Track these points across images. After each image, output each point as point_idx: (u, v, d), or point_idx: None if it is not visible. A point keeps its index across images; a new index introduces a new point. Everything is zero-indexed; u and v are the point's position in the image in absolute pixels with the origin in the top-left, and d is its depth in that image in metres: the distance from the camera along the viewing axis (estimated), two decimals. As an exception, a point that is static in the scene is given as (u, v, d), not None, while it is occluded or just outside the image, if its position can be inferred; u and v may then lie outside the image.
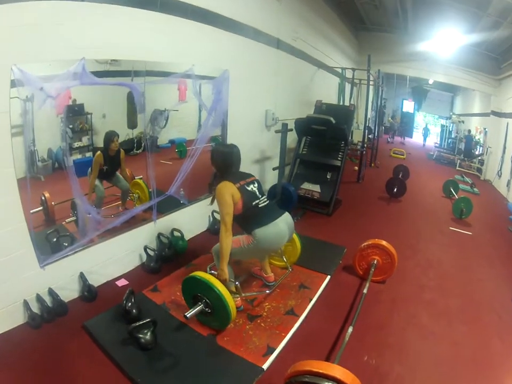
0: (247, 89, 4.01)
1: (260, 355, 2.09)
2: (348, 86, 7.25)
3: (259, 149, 4.64)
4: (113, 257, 2.88)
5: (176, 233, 3.33)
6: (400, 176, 6.06)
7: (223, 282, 2.27)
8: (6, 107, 1.99)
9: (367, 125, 7.02)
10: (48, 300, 2.38)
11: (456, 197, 5.36)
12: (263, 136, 4.60)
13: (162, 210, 3.31)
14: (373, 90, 7.31)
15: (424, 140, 14.60)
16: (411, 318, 2.58)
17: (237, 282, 2.42)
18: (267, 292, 2.66)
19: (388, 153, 9.88)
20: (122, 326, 2.21)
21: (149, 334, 2.11)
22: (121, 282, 2.84)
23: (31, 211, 2.58)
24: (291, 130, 4.37)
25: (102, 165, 2.96)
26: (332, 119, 4.33)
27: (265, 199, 2.48)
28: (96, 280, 2.71)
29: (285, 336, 2.26)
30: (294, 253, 2.99)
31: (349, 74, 6.99)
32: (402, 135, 14.62)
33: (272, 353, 2.11)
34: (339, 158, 4.64)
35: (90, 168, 2.91)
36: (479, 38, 6.57)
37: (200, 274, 2.24)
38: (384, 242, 2.87)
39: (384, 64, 8.28)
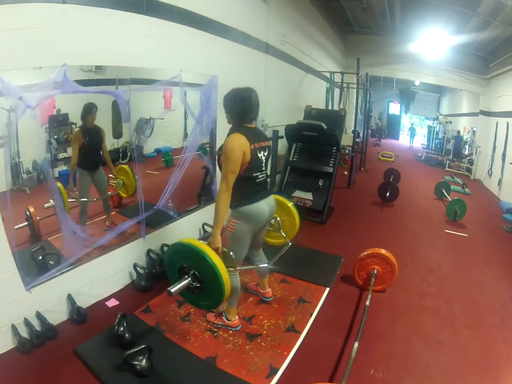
0: (237, 95, 3.93)
1: (263, 377, 1.98)
2: (336, 91, 7.25)
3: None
4: (102, 277, 2.73)
5: (166, 249, 3.17)
6: (391, 179, 6.06)
7: (216, 250, 1.97)
8: None
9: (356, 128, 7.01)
10: (36, 323, 2.24)
11: (449, 199, 5.39)
12: None
13: (151, 224, 3.18)
14: (362, 94, 7.33)
15: (411, 140, 14.77)
16: (415, 326, 2.52)
17: (231, 253, 2.10)
18: (265, 265, 2.49)
19: (376, 157, 9.93)
20: (115, 351, 2.07)
21: (144, 360, 1.97)
22: (111, 303, 2.69)
23: (16, 227, 2.48)
24: (282, 137, 4.30)
25: (81, 139, 2.80)
26: (323, 124, 4.28)
27: (265, 174, 2.24)
28: (85, 301, 2.57)
29: (287, 355, 2.15)
30: (292, 228, 2.80)
31: (337, 78, 6.98)
32: (380, 138, 14.68)
33: (275, 374, 2.01)
34: (331, 164, 4.58)
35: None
36: (468, 38, 6.66)
37: (187, 240, 1.94)
38: (383, 251, 2.81)
39: (372, 67, 8.31)
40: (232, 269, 2.13)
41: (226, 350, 2.19)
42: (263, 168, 2.20)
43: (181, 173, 3.20)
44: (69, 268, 2.44)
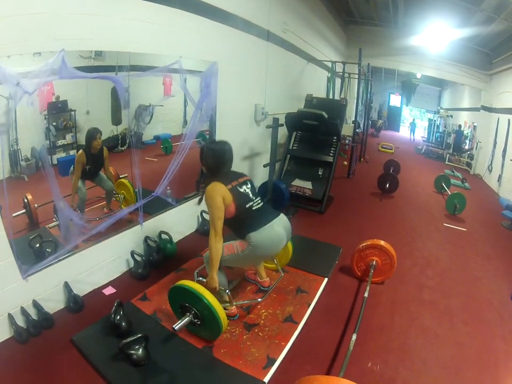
0: (237, 82, 3.85)
1: (260, 367, 1.98)
2: (338, 81, 7.15)
3: (248, 145, 4.49)
4: (99, 264, 2.70)
5: (164, 236, 3.17)
6: (391, 171, 6.03)
7: (213, 291, 2.13)
8: None
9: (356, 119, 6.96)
10: (33, 312, 2.22)
11: (449, 193, 5.36)
12: (252, 131, 4.44)
13: (149, 211, 3.15)
14: (363, 84, 7.25)
15: (412, 133, 14.77)
16: (413, 320, 2.51)
17: (227, 291, 2.27)
18: (259, 300, 2.49)
19: (376, 148, 9.88)
20: (112, 340, 2.06)
21: (141, 349, 1.96)
22: (109, 291, 2.68)
23: (13, 214, 2.46)
24: (282, 125, 4.23)
25: (84, 165, 2.79)
26: (324, 113, 4.21)
27: (259, 201, 2.31)
28: (82, 289, 2.55)
29: (285, 346, 2.15)
30: (285, 255, 2.87)
31: (338, 68, 6.87)
32: (378, 131, 14.59)
33: (273, 365, 2.00)
34: (331, 154, 4.54)
35: (72, 167, 2.75)
36: (471, 32, 6.54)
37: (187, 283, 2.08)
38: (382, 243, 2.79)
39: (374, 58, 8.19)
40: (228, 304, 2.33)
41: (223, 340, 2.19)
42: (254, 198, 2.27)
43: (180, 160, 3.15)
44: (65, 256, 2.41)
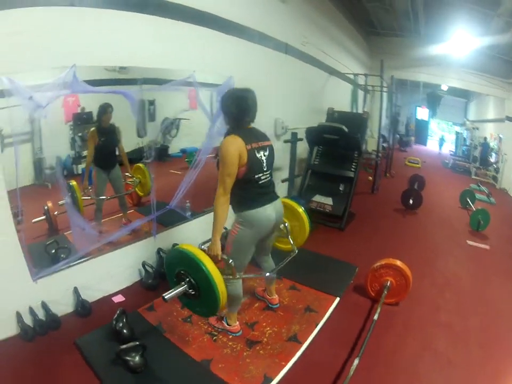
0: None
1: (255, 386, 1.91)
2: (361, 93, 7.04)
3: None
4: (110, 272, 2.76)
5: (167, 252, 3.14)
6: (415, 186, 5.78)
7: (214, 258, 1.94)
8: None
9: (381, 133, 6.78)
10: (41, 313, 2.31)
11: (473, 208, 5.08)
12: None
13: (165, 223, 3.21)
14: (387, 97, 7.09)
15: (440, 148, 14.41)
16: (426, 344, 2.33)
17: (231, 261, 2.02)
18: (267, 274, 2.36)
19: (403, 162, 9.57)
20: (113, 346, 2.06)
21: (137, 357, 1.97)
22: (118, 299, 2.73)
23: (33, 220, 2.61)
24: (301, 139, 4.19)
25: (96, 139, 2.87)
26: (344, 127, 4.13)
27: (269, 175, 2.12)
28: (92, 295, 2.61)
29: (284, 366, 2.06)
30: (301, 234, 2.67)
31: (362, 81, 6.78)
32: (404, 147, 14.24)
33: (269, 384, 1.92)
34: (352, 169, 4.42)
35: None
36: (492, 41, 6.26)
37: (186, 246, 1.91)
38: (398, 263, 2.63)
39: (397, 69, 8.00)
40: (231, 276, 2.09)
41: (223, 355, 2.14)
42: (265, 169, 2.08)
43: (195, 174, 3.18)
44: (77, 262, 2.49)
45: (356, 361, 1.90)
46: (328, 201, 4.52)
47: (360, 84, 6.77)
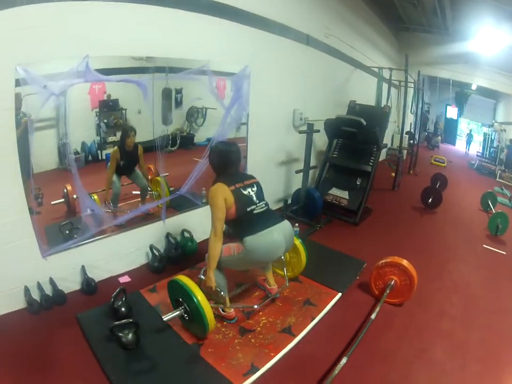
0: (272, 87, 3.85)
1: (240, 373, 1.93)
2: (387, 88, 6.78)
3: (285, 151, 4.45)
4: (118, 254, 2.88)
5: (186, 234, 3.26)
6: (437, 185, 5.52)
7: (209, 290, 2.17)
8: (11, 104, 2.07)
9: (409, 130, 6.51)
10: (48, 288, 2.45)
11: (493, 211, 4.78)
12: (290, 137, 4.37)
13: (178, 208, 3.30)
14: (413, 93, 6.82)
15: (468, 147, 13.68)
16: (422, 350, 2.22)
17: (222, 293, 2.24)
18: (255, 307, 2.38)
19: (429, 160, 9.17)
20: (111, 323, 2.14)
21: (130, 334, 2.05)
22: (124, 279, 2.83)
23: (52, 202, 2.71)
24: (317, 131, 4.10)
25: (118, 160, 2.97)
26: (362, 120, 3.99)
27: (263, 205, 2.27)
28: (99, 274, 2.73)
29: (273, 357, 2.06)
30: (298, 265, 2.75)
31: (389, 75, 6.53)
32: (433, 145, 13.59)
33: (254, 373, 1.93)
34: (370, 163, 4.28)
35: (108, 163, 2.96)
36: None
37: (182, 279, 2.13)
38: (404, 262, 2.54)
39: (425, 66, 7.74)
40: (221, 305, 2.32)
41: (214, 340, 2.18)
42: (257, 202, 2.23)
43: (206, 163, 3.21)
44: (86, 242, 2.61)
45: (344, 360, 1.86)
46: (344, 195, 4.43)
47: (388, 78, 6.51)
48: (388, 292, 2.51)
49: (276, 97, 3.96)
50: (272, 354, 2.08)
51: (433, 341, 2.31)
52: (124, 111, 3.01)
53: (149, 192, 3.28)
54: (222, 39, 3.17)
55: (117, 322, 2.06)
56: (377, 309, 2.31)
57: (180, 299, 2.13)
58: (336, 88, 5.18)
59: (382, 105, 5.81)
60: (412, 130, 7.83)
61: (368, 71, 6.27)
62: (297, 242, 2.67)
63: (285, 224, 2.29)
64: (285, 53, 3.95)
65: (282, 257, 2.55)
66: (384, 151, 8.01)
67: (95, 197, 2.92)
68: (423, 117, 7.94)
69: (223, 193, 2.11)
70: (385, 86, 6.38)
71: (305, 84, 4.36)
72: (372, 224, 4.29)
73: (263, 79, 3.58)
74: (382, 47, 7.18)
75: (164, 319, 2.08)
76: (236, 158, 2.27)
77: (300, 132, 4.05)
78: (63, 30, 2.14)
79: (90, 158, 2.92)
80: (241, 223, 2.17)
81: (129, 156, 3.02)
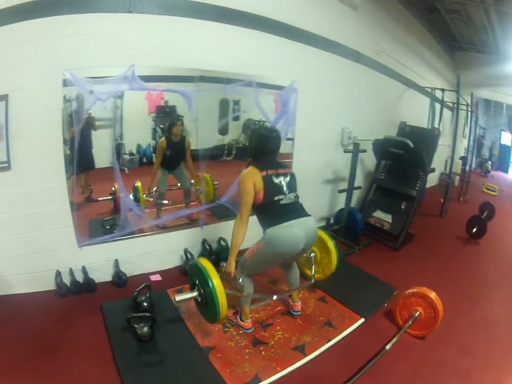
0: (320, 103, 3.85)
1: (241, 382, 1.94)
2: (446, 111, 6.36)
3: (332, 169, 4.39)
4: (153, 253, 3.05)
5: (222, 243, 3.31)
6: (484, 215, 5.01)
7: (228, 276, 2.17)
8: (59, 106, 2.32)
9: (463, 155, 6.05)
10: (79, 276, 2.66)
11: None
12: (337, 155, 4.27)
13: (219, 216, 3.39)
14: (465, 116, 6.31)
15: None
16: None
17: (240, 280, 2.21)
18: (274, 297, 2.41)
19: (481, 188, 8.36)
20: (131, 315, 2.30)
21: (146, 328, 2.16)
22: (155, 277, 2.97)
23: (99, 199, 2.97)
24: (364, 151, 3.99)
25: (165, 150, 3.08)
26: (409, 142, 3.82)
27: (292, 197, 2.18)
28: (132, 270, 2.91)
29: (279, 371, 2.03)
30: (329, 266, 2.64)
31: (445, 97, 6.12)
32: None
33: (255, 385, 1.93)
34: (416, 188, 4.06)
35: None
36: None
37: (202, 261, 2.12)
38: (431, 294, 2.36)
39: (478, 87, 7.11)
40: (239, 293, 2.26)
41: (226, 346, 2.22)
42: (286, 192, 2.16)
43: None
44: (123, 238, 2.80)
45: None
46: (388, 218, 4.25)
47: (442, 99, 6.12)
48: (411, 323, 2.35)
49: (323, 114, 3.95)
50: (279, 369, 2.05)
51: (447, 379, 2.10)
52: (181, 118, 3.09)
53: (194, 188, 3.39)
54: (270, 53, 3.25)
55: (134, 314, 2.19)
56: (394, 340, 2.18)
57: (197, 281, 2.14)
58: (386, 108, 5.02)
59: (432, 127, 5.51)
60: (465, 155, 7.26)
61: (421, 91, 5.99)
62: (330, 243, 2.60)
63: (308, 221, 2.21)
64: (334, 69, 3.94)
65: (312, 255, 2.52)
66: (437, 176, 7.57)
67: (139, 184, 3.10)
68: (477, 142, 7.25)
69: (253, 177, 2.07)
70: (439, 108, 6.04)
71: (355, 101, 4.30)
72: (412, 251, 4.04)
73: (311, 95, 3.61)
74: (437, 66, 6.82)
75: (176, 299, 2.11)
76: (274, 145, 2.19)
77: (345, 151, 3.97)
78: (110, 39, 2.38)
79: (145, 160, 3.13)
80: (266, 211, 2.14)
81: (176, 147, 3.11)
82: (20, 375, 1.88)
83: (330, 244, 2.60)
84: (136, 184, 3.13)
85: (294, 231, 2.10)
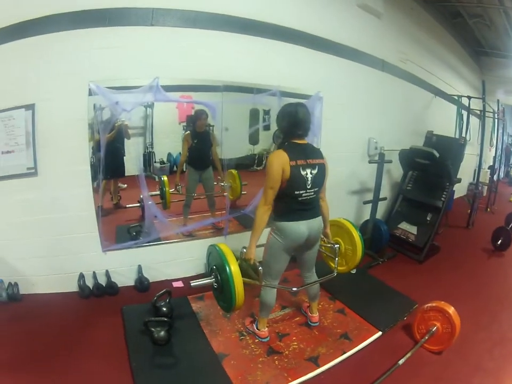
0: (346, 113, 3.83)
1: (251, 389, 1.97)
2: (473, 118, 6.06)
3: (358, 180, 4.35)
4: (177, 260, 3.12)
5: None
6: (510, 226, 4.74)
7: (248, 261, 2.11)
8: (84, 115, 2.45)
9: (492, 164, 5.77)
10: (102, 279, 2.78)
11: None
12: (364, 166, 4.19)
13: (246, 225, 3.39)
14: (492, 124, 6.02)
15: None
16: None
17: (260, 268, 2.15)
18: (294, 289, 2.35)
19: (507, 198, 7.89)
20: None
21: (162, 332, 2.23)
22: (177, 284, 3.02)
23: (127, 205, 3.10)
24: (389, 161, 3.92)
25: (190, 142, 3.12)
26: (435, 152, 3.72)
27: (313, 193, 2.09)
28: (154, 275, 2.99)
29: (289, 382, 2.05)
30: (353, 258, 2.60)
31: (473, 104, 5.85)
32: None
33: (266, 393, 1.95)
34: (442, 198, 3.95)
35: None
36: None
37: (221, 246, 2.09)
38: (450, 309, 2.29)
39: (505, 94, 6.72)
40: (257, 282, 2.22)
41: (240, 354, 2.26)
42: (309, 187, 2.05)
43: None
44: (148, 244, 2.91)
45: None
46: (413, 230, 4.15)
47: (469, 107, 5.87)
48: (427, 337, 2.29)
49: (349, 124, 3.92)
50: (290, 379, 2.07)
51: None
52: (211, 127, 3.15)
53: (221, 184, 3.37)
54: (296, 64, 3.29)
55: (152, 318, 2.28)
56: (408, 355, 2.14)
57: (214, 266, 2.12)
58: (413, 116, 4.91)
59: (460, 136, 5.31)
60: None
61: (448, 98, 5.79)
62: (356, 234, 2.56)
63: (317, 221, 2.20)
64: (359, 78, 3.91)
65: (336, 246, 2.47)
66: (465, 186, 7.31)
67: (165, 178, 3.17)
68: (506, 150, 6.88)
69: (282, 162, 1.97)
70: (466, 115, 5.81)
71: (381, 110, 4.24)
72: (436, 263, 3.91)
73: (336, 104, 3.61)
74: (462, 72, 6.59)
75: (192, 285, 2.09)
76: (303, 117, 2.06)
77: (370, 162, 3.91)
78: (131, 52, 2.50)
79: (175, 168, 3.22)
80: (282, 202, 2.07)
81: (201, 138, 3.14)
82: (40, 366, 2.01)
83: (356, 235, 2.55)
84: (163, 179, 3.19)
85: (300, 228, 2.11)
